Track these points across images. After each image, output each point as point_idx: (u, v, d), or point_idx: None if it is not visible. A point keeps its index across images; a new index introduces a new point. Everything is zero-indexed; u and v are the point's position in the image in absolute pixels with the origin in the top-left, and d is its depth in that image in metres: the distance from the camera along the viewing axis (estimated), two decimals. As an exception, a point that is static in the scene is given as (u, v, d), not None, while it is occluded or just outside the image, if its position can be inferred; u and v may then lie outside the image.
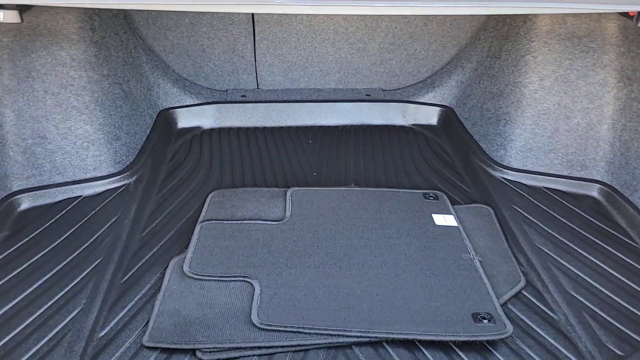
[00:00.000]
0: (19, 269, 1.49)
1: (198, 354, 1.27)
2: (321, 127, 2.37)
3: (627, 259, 1.60)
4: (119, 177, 1.86)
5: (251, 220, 1.71)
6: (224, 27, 2.28)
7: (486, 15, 2.29)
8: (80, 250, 1.57)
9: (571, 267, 1.57)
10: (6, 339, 1.27)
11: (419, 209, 1.79)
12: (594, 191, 1.92)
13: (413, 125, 2.41)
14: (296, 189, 1.88)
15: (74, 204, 1.76)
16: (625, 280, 1.52)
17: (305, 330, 1.31)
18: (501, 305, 1.41)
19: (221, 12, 2.22)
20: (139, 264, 1.55)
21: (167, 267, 1.53)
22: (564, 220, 1.77)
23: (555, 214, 1.80)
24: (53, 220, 1.68)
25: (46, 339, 1.28)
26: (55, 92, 1.79)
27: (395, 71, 2.46)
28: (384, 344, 1.31)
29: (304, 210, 1.76)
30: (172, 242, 1.64)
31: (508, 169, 1.99)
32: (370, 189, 1.91)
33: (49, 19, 1.78)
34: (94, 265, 1.52)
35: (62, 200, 1.77)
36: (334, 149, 2.21)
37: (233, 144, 2.22)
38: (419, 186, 1.97)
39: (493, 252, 1.62)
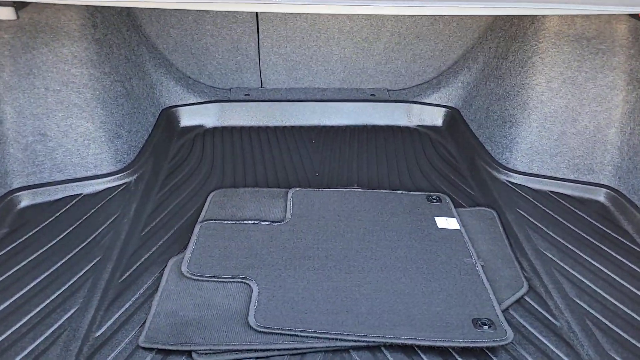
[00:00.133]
0: (18, 267, 1.48)
1: (194, 355, 1.26)
2: (325, 127, 2.36)
3: (632, 266, 1.57)
4: (120, 175, 1.85)
5: (251, 220, 1.69)
6: (228, 25, 2.26)
7: (494, 15, 2.26)
8: (79, 248, 1.56)
9: (575, 273, 1.54)
10: (2, 338, 1.26)
11: (422, 211, 1.77)
12: (600, 196, 1.88)
13: (418, 126, 2.38)
14: (297, 189, 1.87)
15: (74, 202, 1.76)
16: (629, 287, 1.49)
17: (302, 334, 1.29)
18: (502, 311, 1.39)
19: (224, 10, 2.21)
20: (138, 264, 1.54)
21: (165, 267, 1.52)
22: (569, 225, 1.74)
23: (560, 219, 1.77)
24: (53, 218, 1.68)
25: (42, 337, 1.28)
26: (57, 89, 1.78)
27: (400, 71, 2.44)
28: (382, 348, 1.29)
29: (305, 211, 1.75)
30: (172, 242, 1.63)
31: (513, 172, 1.96)
32: (372, 190, 1.89)
33: (50, 16, 1.77)
34: (92, 264, 1.51)
35: (62, 198, 1.76)
36: (337, 149, 2.19)
37: (236, 143, 2.21)
38: (422, 188, 1.94)
39: (496, 257, 1.60)
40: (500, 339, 1.29)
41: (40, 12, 1.77)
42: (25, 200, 1.74)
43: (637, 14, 1.82)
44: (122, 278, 1.49)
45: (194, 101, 2.32)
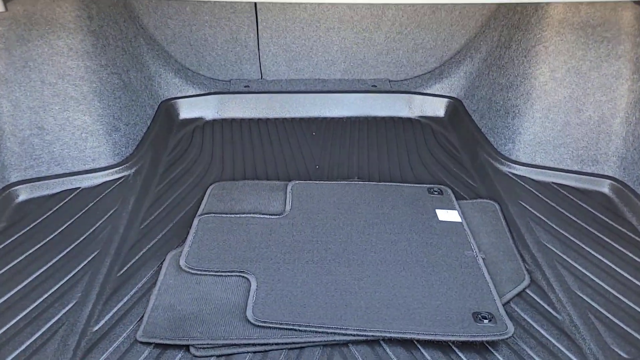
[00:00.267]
0: (16, 261, 1.48)
1: (192, 349, 1.25)
2: (325, 118, 2.33)
3: (636, 259, 1.55)
4: (118, 168, 1.84)
5: (250, 214, 1.68)
6: (226, 16, 2.24)
7: (496, 3, 2.22)
8: (77, 242, 1.56)
9: (578, 266, 1.52)
10: (-1, 332, 1.26)
11: (423, 204, 1.75)
12: (604, 187, 1.86)
13: (419, 117, 2.35)
14: (297, 182, 1.85)
15: (72, 195, 1.75)
16: (633, 280, 1.47)
17: (300, 328, 1.28)
18: (503, 305, 1.37)
19: (223, 1, 2.18)
20: (136, 257, 1.53)
21: (163, 260, 1.51)
22: (573, 217, 1.72)
23: (563, 211, 1.75)
24: (51, 211, 1.67)
25: (40, 332, 1.27)
26: (53, 82, 1.77)
27: (402, 61, 2.41)
28: (381, 342, 1.28)
29: (305, 204, 1.73)
30: (170, 236, 1.62)
31: (516, 164, 1.93)
32: (373, 183, 1.87)
33: (44, 8, 1.75)
34: (90, 258, 1.50)
35: (60, 191, 1.75)
36: (338, 141, 2.17)
37: (235, 135, 2.19)
38: (424, 180, 1.92)
39: (497, 249, 1.58)
40: (501, 332, 1.27)
41: (34, 4, 1.75)
42: (23, 194, 1.73)
43: (644, 1, 1.78)
44: (120, 272, 1.48)
45: (193, 93, 2.30)
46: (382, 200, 1.76)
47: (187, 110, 2.29)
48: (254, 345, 1.26)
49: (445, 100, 2.36)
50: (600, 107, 1.88)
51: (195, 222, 1.64)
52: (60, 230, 1.60)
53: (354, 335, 1.27)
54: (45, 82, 1.76)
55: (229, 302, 1.36)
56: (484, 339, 1.26)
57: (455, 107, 2.32)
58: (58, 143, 1.79)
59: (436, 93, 2.37)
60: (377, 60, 2.40)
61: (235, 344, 1.26)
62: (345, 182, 1.87)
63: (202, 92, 2.32)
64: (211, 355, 1.24)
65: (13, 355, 1.21)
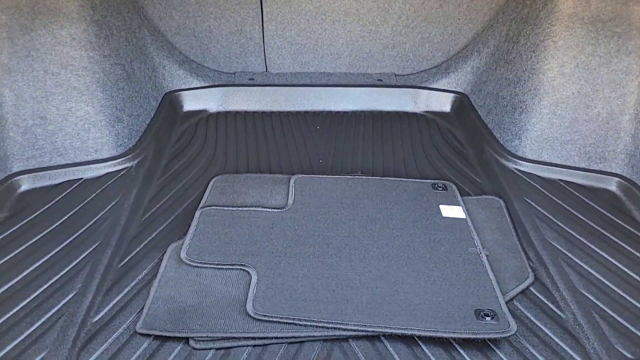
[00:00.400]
0: (17, 251, 1.48)
1: (191, 342, 1.25)
2: (330, 112, 2.32)
3: (643, 258, 1.53)
4: (121, 160, 1.83)
5: (252, 207, 1.67)
6: (231, 7, 2.22)
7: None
8: (78, 233, 1.55)
9: (583, 264, 1.49)
10: (-1, 321, 1.26)
11: (427, 199, 1.73)
12: (612, 185, 1.83)
13: (425, 112, 2.33)
14: (300, 176, 1.84)
15: (74, 186, 1.74)
16: (639, 279, 1.45)
17: (301, 322, 1.27)
18: (506, 302, 1.35)
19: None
20: (137, 249, 1.53)
21: (164, 252, 1.50)
22: (579, 215, 1.69)
23: (569, 208, 1.72)
24: (53, 202, 1.67)
25: (39, 322, 1.27)
26: (56, 72, 1.76)
27: (408, 55, 2.38)
28: (382, 338, 1.27)
29: (307, 198, 1.72)
30: (172, 228, 1.62)
31: (522, 160, 1.91)
32: (376, 177, 1.85)
33: None
34: (91, 249, 1.50)
35: (63, 182, 1.75)
36: (342, 135, 2.15)
37: (239, 128, 2.18)
38: (428, 176, 1.90)
39: (501, 247, 1.56)
40: (503, 330, 1.26)
41: None
42: (25, 184, 1.73)
43: (656, -4, 1.74)
44: (121, 264, 1.48)
45: (197, 85, 2.29)
46: (386, 196, 1.74)
47: (191, 102, 2.28)
48: (253, 338, 1.25)
49: (452, 95, 2.33)
50: (609, 104, 1.85)
51: (197, 214, 1.63)
52: (61, 220, 1.60)
53: (354, 330, 1.26)
54: (48, 71, 1.75)
55: (229, 295, 1.36)
56: (486, 336, 1.25)
57: (462, 102, 2.29)
58: (60, 133, 1.79)
59: (442, 88, 2.35)
60: (383, 54, 2.38)
61: (234, 337, 1.25)
62: (349, 176, 1.86)
63: (206, 85, 2.30)
64: (210, 348, 1.24)
65: (12, 345, 1.21)
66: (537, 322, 1.32)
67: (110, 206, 1.66)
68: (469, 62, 2.31)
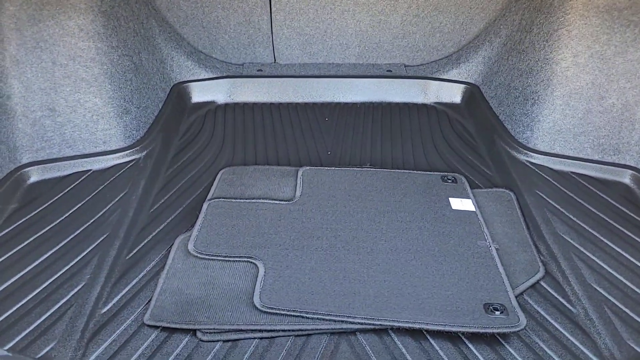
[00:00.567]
0: (26, 242, 1.49)
1: (198, 334, 1.25)
2: (339, 103, 2.29)
3: (657, 252, 1.50)
4: (129, 151, 1.83)
5: (260, 199, 1.66)
6: None
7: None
8: (87, 224, 1.56)
9: (595, 258, 1.47)
10: (9, 312, 1.27)
11: (436, 192, 1.71)
12: (626, 178, 1.79)
13: (435, 103, 2.30)
14: (308, 168, 1.82)
15: (83, 177, 1.75)
16: (653, 274, 1.42)
17: (308, 315, 1.27)
18: (516, 296, 1.34)
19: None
20: (145, 241, 1.53)
21: (172, 244, 1.50)
22: (591, 208, 1.66)
23: (582, 201, 1.69)
24: (61, 193, 1.68)
25: (48, 313, 1.28)
26: (64, 63, 1.76)
27: (418, 45, 2.35)
28: (390, 331, 1.26)
29: (315, 190, 1.71)
30: (180, 220, 1.62)
31: (534, 152, 1.88)
32: (385, 170, 1.84)
33: None
34: (99, 240, 1.50)
35: (72, 174, 1.76)
36: (351, 126, 2.13)
37: (247, 119, 2.17)
38: (438, 168, 1.88)
39: (512, 240, 1.54)
40: (513, 325, 1.24)
41: None
42: (35, 175, 1.73)
43: (674, -17, 1.69)
44: (129, 255, 1.48)
45: (206, 76, 2.28)
46: (394, 188, 1.72)
47: (199, 93, 2.27)
48: (260, 331, 1.25)
49: (462, 86, 2.30)
50: (624, 95, 1.80)
51: (205, 206, 1.63)
52: (70, 212, 1.60)
53: (361, 323, 1.26)
54: (57, 63, 1.75)
55: (236, 287, 1.35)
56: (495, 330, 1.23)
57: (473, 93, 2.26)
58: (69, 125, 1.79)
59: (453, 79, 2.31)
60: (393, 44, 2.34)
61: (241, 330, 1.25)
62: (357, 168, 1.84)
63: (214, 76, 2.29)
64: (217, 340, 1.24)
65: (21, 336, 1.22)
66: (548, 317, 1.31)
67: (118, 198, 1.66)
68: (481, 52, 2.27)
